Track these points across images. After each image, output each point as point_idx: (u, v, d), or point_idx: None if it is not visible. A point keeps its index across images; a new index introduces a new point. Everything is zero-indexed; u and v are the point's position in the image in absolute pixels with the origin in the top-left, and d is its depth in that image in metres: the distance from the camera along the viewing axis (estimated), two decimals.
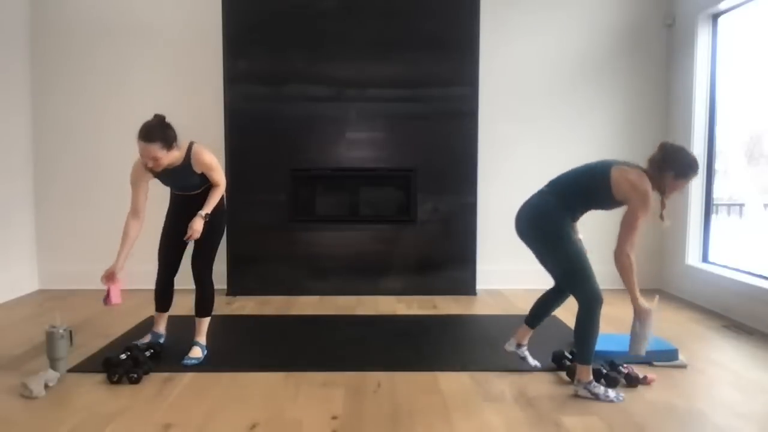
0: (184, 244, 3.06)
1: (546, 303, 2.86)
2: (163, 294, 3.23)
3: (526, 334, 2.91)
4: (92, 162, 4.95)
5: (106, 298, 2.94)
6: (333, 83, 4.75)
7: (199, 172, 2.93)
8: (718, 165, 4.73)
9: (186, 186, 3.00)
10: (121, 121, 4.84)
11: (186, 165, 2.90)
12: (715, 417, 2.37)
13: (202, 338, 3.11)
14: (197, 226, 2.89)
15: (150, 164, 2.79)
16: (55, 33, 4.92)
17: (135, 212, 3.00)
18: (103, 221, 4.88)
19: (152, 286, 3.21)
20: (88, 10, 4.91)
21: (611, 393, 2.53)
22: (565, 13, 5.02)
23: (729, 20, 4.53)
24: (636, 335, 2.55)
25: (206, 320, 3.13)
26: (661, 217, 2.56)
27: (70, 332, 2.83)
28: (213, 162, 2.95)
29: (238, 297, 4.69)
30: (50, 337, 2.77)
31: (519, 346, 2.91)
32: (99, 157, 4.94)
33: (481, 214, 4.87)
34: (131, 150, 5.10)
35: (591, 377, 2.56)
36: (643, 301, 2.52)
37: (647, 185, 2.47)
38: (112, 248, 3.02)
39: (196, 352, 3.03)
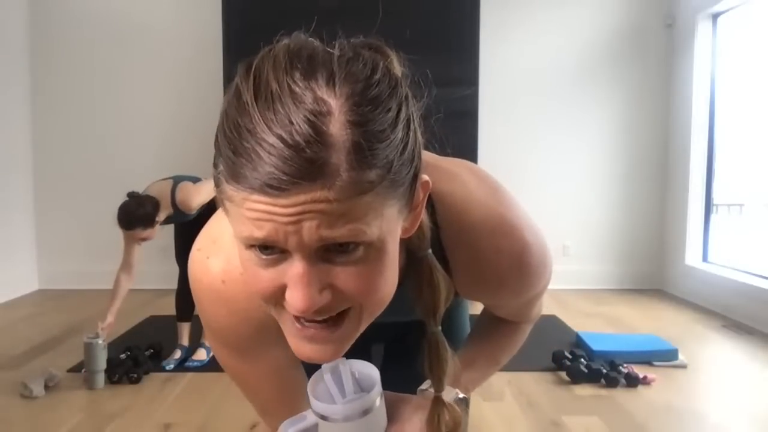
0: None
1: None
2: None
3: None
4: (92, 162, 4.94)
5: None
6: None
7: None
8: (718, 165, 4.72)
9: None
10: (121, 121, 4.82)
11: None
12: (715, 417, 2.37)
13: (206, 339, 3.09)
14: None
15: None
16: (55, 33, 4.92)
17: None
18: (103, 221, 4.86)
19: (150, 286, 3.20)
20: (87, 10, 4.90)
21: None
22: (565, 13, 5.01)
23: (729, 20, 4.53)
24: None
25: None
26: None
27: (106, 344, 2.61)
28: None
29: None
30: (89, 348, 2.54)
31: None
32: (99, 156, 4.93)
33: None
34: (131, 150, 5.07)
35: None
36: None
37: None
38: (111, 248, 3.02)
39: (201, 354, 2.98)
